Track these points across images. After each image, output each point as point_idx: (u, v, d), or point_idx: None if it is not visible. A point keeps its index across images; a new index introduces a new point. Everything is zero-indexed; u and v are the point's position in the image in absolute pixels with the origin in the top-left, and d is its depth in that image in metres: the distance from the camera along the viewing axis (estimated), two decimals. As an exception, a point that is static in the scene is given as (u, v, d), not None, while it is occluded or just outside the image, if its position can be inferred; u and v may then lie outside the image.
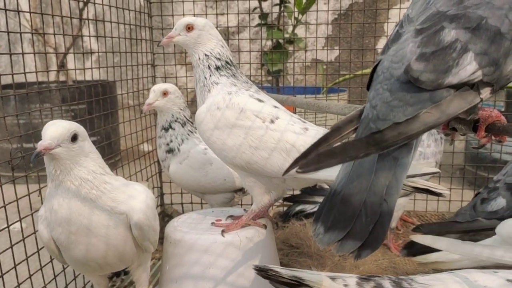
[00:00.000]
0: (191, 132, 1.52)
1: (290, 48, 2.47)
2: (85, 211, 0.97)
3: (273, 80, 2.42)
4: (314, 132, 1.16)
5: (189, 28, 1.23)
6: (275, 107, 1.21)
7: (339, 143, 0.67)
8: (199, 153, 1.50)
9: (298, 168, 0.64)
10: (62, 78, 3.16)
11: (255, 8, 2.41)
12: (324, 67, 2.70)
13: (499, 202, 1.24)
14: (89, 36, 1.72)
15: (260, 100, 1.20)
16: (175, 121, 1.51)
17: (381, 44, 2.66)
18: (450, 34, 0.65)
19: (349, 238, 0.64)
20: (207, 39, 1.23)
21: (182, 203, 1.91)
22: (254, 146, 1.14)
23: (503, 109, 1.99)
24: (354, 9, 2.79)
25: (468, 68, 0.63)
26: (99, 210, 0.99)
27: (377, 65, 0.74)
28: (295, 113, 1.43)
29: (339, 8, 2.75)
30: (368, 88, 0.76)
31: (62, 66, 2.82)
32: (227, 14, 1.96)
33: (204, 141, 1.24)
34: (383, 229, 0.64)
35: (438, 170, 1.19)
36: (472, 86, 0.64)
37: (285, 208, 1.79)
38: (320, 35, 2.30)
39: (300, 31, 2.53)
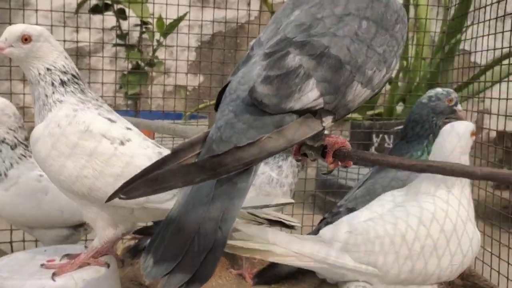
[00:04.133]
0: (24, 156, 1.30)
1: (152, 71, 2.37)
2: None
3: (132, 103, 2.29)
4: None
5: (26, 39, 1.04)
6: (128, 128, 1.10)
7: (175, 167, 0.61)
8: (31, 180, 1.28)
9: (121, 194, 0.59)
10: None
11: (112, 27, 2.27)
12: (188, 93, 2.65)
13: None
14: None
15: (110, 120, 1.08)
16: (2, 142, 1.28)
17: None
18: (294, 59, 0.65)
19: (178, 271, 0.59)
20: (48, 50, 1.07)
21: (11, 242, 1.62)
22: (98, 170, 1.01)
23: (348, 139, 2.16)
24: (218, 34, 2.83)
25: (310, 94, 0.64)
26: None
27: (226, 86, 0.72)
28: (153, 139, 1.33)
29: (203, 33, 2.76)
30: (216, 109, 0.73)
31: None
32: (89, 29, 1.79)
33: (39, 165, 1.07)
34: (215, 260, 0.60)
35: (292, 201, 1.21)
36: (315, 113, 0.65)
37: (136, 242, 1.64)
38: (183, 60, 2.27)
39: (164, 55, 2.46)
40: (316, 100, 0.64)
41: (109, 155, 1.02)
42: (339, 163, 0.77)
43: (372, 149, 1.83)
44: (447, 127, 1.12)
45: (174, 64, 2.75)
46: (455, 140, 1.07)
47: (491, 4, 1.80)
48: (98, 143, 1.03)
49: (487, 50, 1.77)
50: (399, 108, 2.05)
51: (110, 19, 2.23)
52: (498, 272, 1.43)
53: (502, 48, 1.72)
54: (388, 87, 2.25)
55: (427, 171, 0.64)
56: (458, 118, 1.30)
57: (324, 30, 0.67)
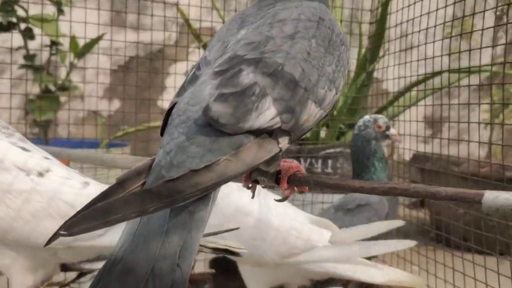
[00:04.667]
0: None
1: (63, 96, 2.19)
2: None
3: (41, 131, 2.08)
4: (97, 188, 0.96)
5: None
6: (46, 158, 0.98)
7: (126, 195, 0.54)
8: None
9: (62, 230, 0.49)
10: None
11: (19, 48, 2.07)
12: (104, 119, 2.49)
13: None
14: None
15: (25, 149, 0.96)
16: None
17: (165, 97, 2.63)
18: (248, 77, 0.62)
19: None
20: None
21: None
22: (14, 208, 0.88)
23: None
24: (139, 57, 2.72)
25: (268, 113, 0.60)
26: None
27: (171, 108, 0.65)
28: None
29: (120, 55, 2.63)
30: (162, 133, 0.65)
31: None
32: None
33: None
34: None
35: (238, 227, 1.15)
36: (271, 133, 0.61)
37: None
38: (100, 84, 2.13)
39: (77, 78, 2.30)
40: (273, 119, 0.60)
41: (26, 189, 0.90)
42: (295, 188, 0.74)
43: (302, 173, 1.85)
44: None
45: (88, 88, 2.58)
46: None
47: (400, 37, 1.97)
48: (12, 177, 0.91)
49: (398, 78, 1.93)
50: (323, 132, 2.11)
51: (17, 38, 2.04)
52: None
53: (411, 76, 1.88)
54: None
55: (391, 194, 0.64)
56: (395, 142, 1.35)
57: (275, 48, 0.65)
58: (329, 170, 1.81)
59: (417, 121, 1.85)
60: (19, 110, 2.27)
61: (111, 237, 0.69)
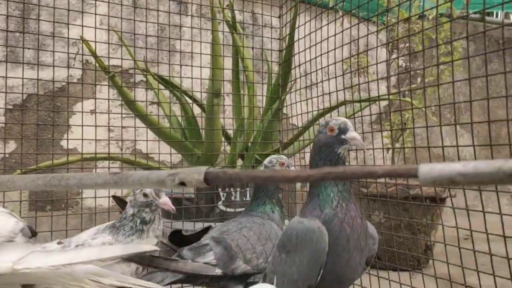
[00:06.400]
0: None
1: None
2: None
3: None
4: None
5: None
6: None
7: None
8: None
9: None
10: None
11: None
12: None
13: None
14: None
15: None
16: None
17: (70, 136, 2.45)
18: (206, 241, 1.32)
19: None
20: None
21: None
22: None
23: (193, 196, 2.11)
24: (39, 96, 2.52)
25: (210, 257, 1.27)
26: None
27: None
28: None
29: (16, 93, 2.42)
30: None
31: None
32: None
33: None
34: None
35: (157, 248, 1.08)
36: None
37: None
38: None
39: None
40: (212, 260, 1.26)
41: None
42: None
43: (220, 203, 1.82)
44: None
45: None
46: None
47: (300, 76, 2.10)
48: None
49: (302, 114, 2.04)
50: (239, 163, 2.12)
51: None
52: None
53: (312, 111, 2.01)
54: (228, 147, 2.33)
55: (326, 179, 0.64)
56: (355, 147, 1.12)
57: (229, 233, 1.32)
58: (248, 198, 1.80)
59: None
60: None
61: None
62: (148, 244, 1.14)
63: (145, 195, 1.23)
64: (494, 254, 1.17)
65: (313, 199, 1.05)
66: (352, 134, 1.04)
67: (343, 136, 1.04)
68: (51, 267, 0.89)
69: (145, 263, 1.19)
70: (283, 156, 1.43)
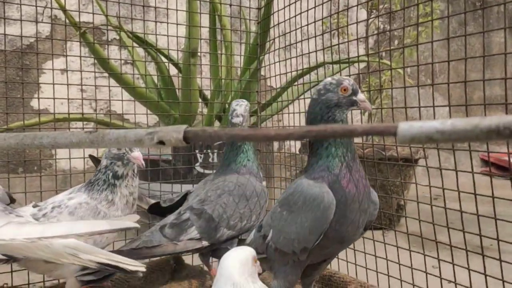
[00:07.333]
0: None
1: None
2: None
3: None
4: None
5: None
6: None
7: None
8: None
9: None
10: None
11: None
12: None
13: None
14: None
15: None
16: None
17: (41, 95, 2.37)
18: (186, 215, 1.30)
19: None
20: None
21: None
22: None
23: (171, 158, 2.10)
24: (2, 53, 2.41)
25: (193, 233, 1.28)
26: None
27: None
28: None
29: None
30: None
31: None
32: None
33: None
34: None
35: (137, 225, 1.07)
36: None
37: None
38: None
39: None
40: (196, 235, 1.28)
41: None
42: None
43: (197, 165, 1.81)
44: (225, 256, 0.95)
45: None
46: (241, 269, 0.92)
47: (279, 36, 2.06)
48: None
49: (280, 75, 2.01)
50: (217, 125, 2.11)
51: None
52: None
53: (291, 71, 1.98)
54: (205, 108, 2.30)
55: (307, 137, 0.64)
56: (363, 109, 1.07)
57: (209, 201, 1.32)
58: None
59: (299, 113, 1.92)
60: None
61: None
62: (128, 221, 1.12)
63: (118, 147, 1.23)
64: (464, 211, 1.21)
65: (321, 159, 1.02)
66: (362, 96, 1.02)
67: (354, 98, 1.01)
68: (26, 240, 0.89)
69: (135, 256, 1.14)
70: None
